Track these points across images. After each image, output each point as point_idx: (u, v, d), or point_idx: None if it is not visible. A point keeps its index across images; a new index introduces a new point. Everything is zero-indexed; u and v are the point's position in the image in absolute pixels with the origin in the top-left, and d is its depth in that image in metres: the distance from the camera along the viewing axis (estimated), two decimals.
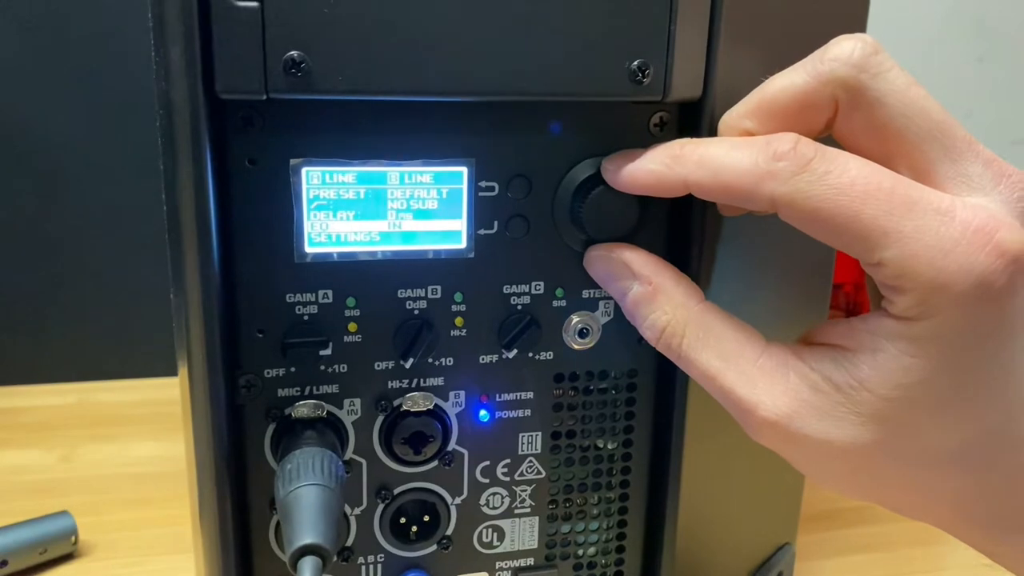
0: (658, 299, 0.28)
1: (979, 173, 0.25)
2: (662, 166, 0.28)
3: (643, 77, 0.28)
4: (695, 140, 0.28)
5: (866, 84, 0.25)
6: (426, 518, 0.33)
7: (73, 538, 0.46)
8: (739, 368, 0.27)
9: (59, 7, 0.62)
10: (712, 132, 0.30)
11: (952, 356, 0.24)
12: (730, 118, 0.28)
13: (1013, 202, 0.25)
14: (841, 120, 0.26)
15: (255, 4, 0.24)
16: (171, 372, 0.69)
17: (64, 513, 0.47)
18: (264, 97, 0.25)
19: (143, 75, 0.63)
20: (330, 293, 0.30)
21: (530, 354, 0.32)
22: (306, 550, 0.25)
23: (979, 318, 0.24)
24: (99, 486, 0.54)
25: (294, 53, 0.25)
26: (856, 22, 0.35)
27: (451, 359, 0.31)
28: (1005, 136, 1.08)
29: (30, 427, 0.62)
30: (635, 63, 0.28)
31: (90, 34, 0.63)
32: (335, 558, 0.32)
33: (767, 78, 0.27)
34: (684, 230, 0.31)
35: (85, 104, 0.64)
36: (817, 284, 0.37)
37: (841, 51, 0.26)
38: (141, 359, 0.70)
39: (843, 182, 0.24)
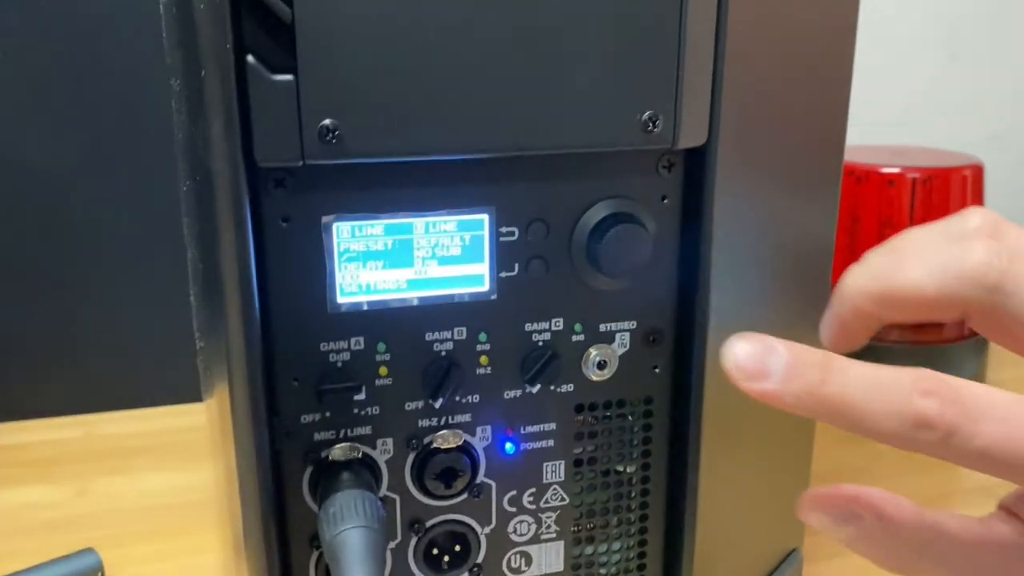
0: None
1: None
2: (800, 400, 0.25)
3: (654, 127, 0.29)
4: (835, 378, 0.24)
5: (1000, 304, 0.24)
6: (457, 548, 0.34)
7: (100, 574, 0.47)
8: None
9: (63, 41, 0.63)
10: (717, 173, 0.31)
11: None
12: (852, 293, 0.26)
13: None
14: (975, 322, 0.26)
15: (290, 78, 0.26)
16: (170, 401, 0.70)
17: (89, 550, 0.47)
18: (300, 164, 0.27)
19: (146, 112, 0.64)
20: (362, 340, 0.31)
21: (552, 387, 0.34)
22: None
23: None
24: (117, 519, 0.55)
25: (328, 121, 0.26)
26: (845, 59, 0.36)
27: (477, 396, 0.33)
28: (981, 131, 1.11)
29: (41, 462, 0.62)
30: (646, 115, 0.29)
31: (94, 69, 0.64)
32: None
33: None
34: (694, 252, 0.33)
35: (89, 142, 0.65)
36: (815, 282, 0.39)
37: (975, 270, 0.24)
38: (143, 389, 0.70)
39: (986, 444, 0.23)
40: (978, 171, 0.71)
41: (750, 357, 0.25)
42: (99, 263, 0.68)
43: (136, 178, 0.66)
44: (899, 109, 1.09)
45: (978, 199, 0.71)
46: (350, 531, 0.28)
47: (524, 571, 0.35)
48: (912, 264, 0.25)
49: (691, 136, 0.30)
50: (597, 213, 0.32)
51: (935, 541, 0.26)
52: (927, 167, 0.69)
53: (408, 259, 0.31)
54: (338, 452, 0.31)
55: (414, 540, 0.33)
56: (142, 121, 0.64)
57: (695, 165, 0.32)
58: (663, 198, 0.33)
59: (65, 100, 0.64)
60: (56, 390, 0.70)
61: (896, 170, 0.69)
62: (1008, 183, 1.03)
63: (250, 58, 0.26)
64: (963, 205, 0.70)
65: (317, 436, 0.31)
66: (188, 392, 0.63)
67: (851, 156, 0.71)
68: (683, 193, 0.33)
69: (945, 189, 0.69)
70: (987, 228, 0.25)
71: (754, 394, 0.25)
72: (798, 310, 0.38)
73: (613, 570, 0.37)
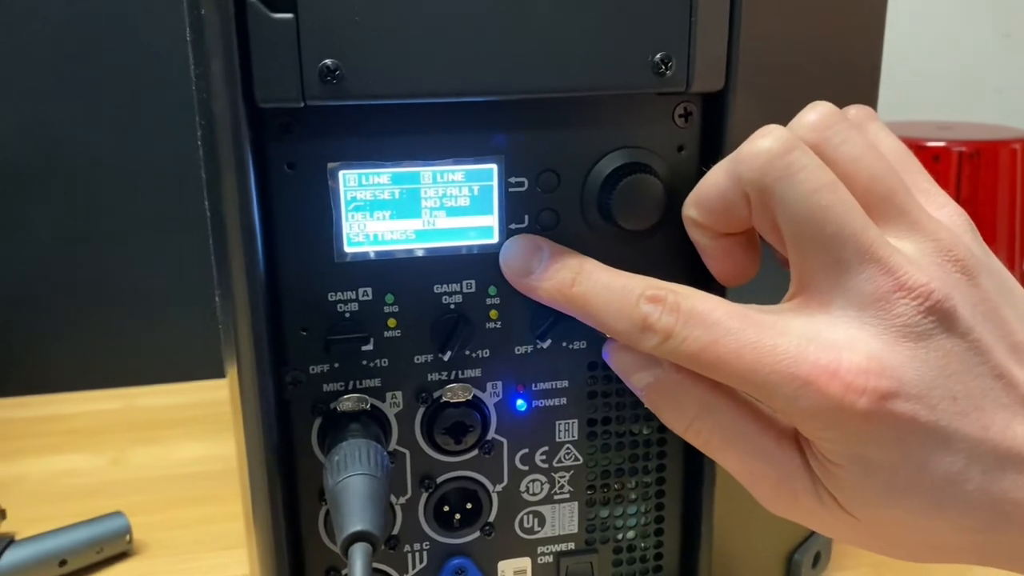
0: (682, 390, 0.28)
1: (859, 288, 0.25)
2: (552, 296, 0.29)
3: (666, 69, 0.29)
4: (582, 280, 0.29)
5: (769, 187, 0.25)
6: (469, 506, 0.34)
7: (127, 537, 0.48)
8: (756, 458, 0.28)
9: (91, 22, 0.64)
10: (735, 123, 0.30)
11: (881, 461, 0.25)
12: (685, 205, 0.30)
13: (890, 320, 0.24)
14: (754, 216, 0.27)
15: (290, 16, 0.26)
16: (209, 375, 0.71)
17: (118, 513, 0.48)
18: (301, 105, 0.26)
19: (178, 83, 0.65)
20: (369, 291, 0.31)
21: (564, 344, 0.33)
22: (356, 537, 0.26)
23: (872, 433, 0.24)
24: (149, 487, 0.56)
25: (328, 61, 0.26)
26: (876, 10, 0.35)
27: (487, 351, 0.32)
28: None
29: (80, 432, 0.64)
30: (657, 56, 0.28)
31: (122, 45, 0.65)
32: (383, 546, 0.33)
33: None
34: None
35: (125, 117, 0.66)
36: None
37: (751, 151, 0.26)
38: (181, 364, 0.71)
39: (695, 349, 0.26)
40: None
41: (519, 254, 0.30)
42: (139, 239, 0.69)
43: (176, 156, 0.67)
44: (948, 87, 1.06)
45: None
46: (352, 478, 0.27)
47: (537, 532, 0.35)
48: (715, 167, 0.28)
49: (706, 80, 0.29)
50: (610, 163, 0.31)
51: (721, 409, 0.28)
52: (974, 140, 0.66)
53: (416, 209, 0.30)
54: (347, 404, 0.31)
55: (424, 496, 0.33)
56: (182, 87, 0.65)
57: (713, 115, 0.31)
58: (680, 148, 0.32)
59: (95, 71, 0.65)
60: (97, 364, 0.71)
61: (942, 143, 0.66)
62: None
63: None
64: (1012, 181, 0.67)
65: (326, 387, 0.31)
66: None
67: (895, 131, 0.69)
68: (701, 144, 0.32)
69: (993, 164, 0.67)
70: (813, 123, 0.27)
71: (517, 287, 0.31)
72: None
73: (630, 534, 0.36)
